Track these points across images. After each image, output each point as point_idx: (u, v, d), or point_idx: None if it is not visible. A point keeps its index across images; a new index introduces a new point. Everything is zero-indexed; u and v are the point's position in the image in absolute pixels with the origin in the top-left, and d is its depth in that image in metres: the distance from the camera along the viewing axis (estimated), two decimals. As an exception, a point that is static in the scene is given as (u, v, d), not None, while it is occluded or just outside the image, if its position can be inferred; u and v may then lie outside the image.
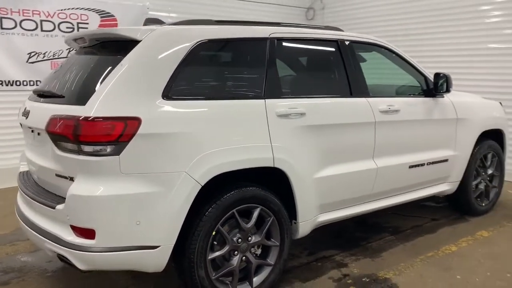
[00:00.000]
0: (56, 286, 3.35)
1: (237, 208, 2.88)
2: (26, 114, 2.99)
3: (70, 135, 2.50)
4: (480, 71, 6.48)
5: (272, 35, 3.21)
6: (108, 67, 2.72)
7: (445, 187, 4.43)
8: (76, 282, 3.41)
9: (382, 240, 4.16)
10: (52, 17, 6.39)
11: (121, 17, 6.93)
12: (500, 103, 5.05)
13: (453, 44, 6.82)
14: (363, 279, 3.39)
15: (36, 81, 6.34)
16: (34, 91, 3.12)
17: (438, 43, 6.97)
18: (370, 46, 3.92)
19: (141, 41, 2.71)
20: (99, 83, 2.60)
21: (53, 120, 2.60)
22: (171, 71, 2.71)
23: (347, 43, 3.64)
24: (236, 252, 2.93)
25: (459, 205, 4.79)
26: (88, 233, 2.52)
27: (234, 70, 3.15)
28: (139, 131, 2.50)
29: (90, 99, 2.52)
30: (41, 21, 6.32)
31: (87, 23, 6.68)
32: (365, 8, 8.15)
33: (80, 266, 2.55)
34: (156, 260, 2.64)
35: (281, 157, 3.00)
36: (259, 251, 3.07)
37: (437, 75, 4.09)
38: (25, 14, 6.16)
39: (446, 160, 4.30)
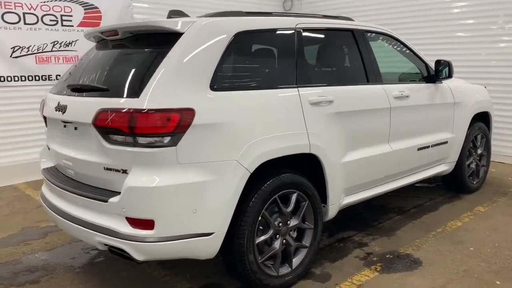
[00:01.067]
0: (90, 281, 3.33)
1: (278, 194, 2.98)
2: (61, 108, 2.94)
3: (125, 128, 2.51)
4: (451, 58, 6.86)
5: (298, 26, 3.32)
6: (153, 60, 2.74)
7: (444, 167, 4.73)
8: (109, 276, 3.41)
9: (391, 220, 4.39)
10: (35, 10, 6.17)
11: (105, 9, 6.79)
12: (485, 87, 5.40)
13: (424, 33, 7.19)
14: (387, 256, 3.60)
15: (21, 76, 6.15)
16: (68, 86, 3.06)
17: (412, 32, 7.28)
18: (378, 35, 4.10)
19: (183, 33, 2.74)
20: (148, 76, 2.61)
21: (103, 114, 2.60)
22: (215, 62, 2.76)
23: (361, 32, 3.81)
24: (277, 235, 3.04)
25: (454, 184, 5.11)
26: (147, 224, 2.55)
27: (269, 60, 3.24)
28: (194, 122, 2.55)
29: (143, 91, 2.53)
30: (24, 13, 6.09)
31: (71, 16, 6.50)
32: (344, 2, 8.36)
33: (138, 257, 2.58)
34: (210, 247, 2.71)
35: (315, 143, 3.13)
36: (295, 235, 3.20)
37: (438, 62, 4.34)
38: (7, 7, 5.92)
39: (446, 142, 4.58)
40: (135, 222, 2.57)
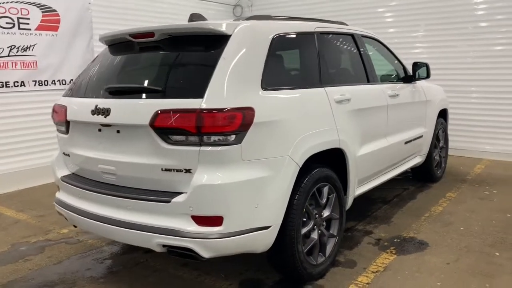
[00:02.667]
0: (122, 289, 3.26)
1: (316, 187, 3.17)
2: (101, 111, 2.86)
3: (192, 128, 2.54)
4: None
5: (316, 29, 3.54)
6: (204, 61, 2.81)
7: (419, 159, 5.23)
8: (137, 283, 3.34)
9: (381, 210, 4.76)
10: (-10, 12, 5.74)
11: (63, 12, 6.49)
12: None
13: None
14: (395, 240, 3.93)
15: (-23, 82, 5.67)
16: (108, 88, 2.98)
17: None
18: (368, 39, 4.46)
19: (231, 35, 2.83)
20: (206, 76, 2.65)
21: (163, 114, 2.60)
22: (263, 62, 2.89)
23: (359, 36, 4.14)
24: (315, 226, 3.22)
25: (424, 175, 5.65)
26: (215, 221, 2.60)
27: (300, 60, 3.41)
28: (254, 120, 2.66)
29: (207, 91, 2.58)
30: (-22, 16, 5.64)
31: (28, 18, 6.13)
32: (295, 6, 8.77)
33: (205, 254, 2.61)
34: (267, 240, 2.81)
35: (343, 139, 3.36)
36: (325, 225, 3.40)
37: (415, 64, 4.82)
38: (-41, 8, 5.45)
39: (421, 136, 5.08)
40: (202, 220, 2.60)
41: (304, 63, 3.43)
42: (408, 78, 4.86)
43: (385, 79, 4.89)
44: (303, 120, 3.02)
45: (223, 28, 2.83)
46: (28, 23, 6.12)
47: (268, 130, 2.75)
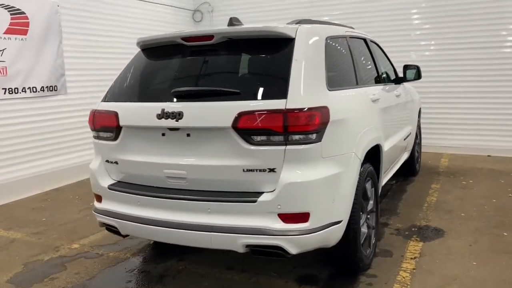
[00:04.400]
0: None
1: (366, 181, 3.35)
2: (173, 116, 2.79)
3: (279, 128, 2.60)
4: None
5: (346, 33, 3.75)
6: (276, 63, 2.88)
7: (406, 155, 5.63)
8: (195, 288, 3.30)
9: (382, 203, 5.06)
10: (-45, 14, 5.24)
11: (32, 15, 6.10)
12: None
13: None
14: (413, 229, 4.24)
15: None
16: (174, 92, 2.90)
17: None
18: (371, 43, 4.75)
19: (294, 38, 2.92)
20: (283, 78, 2.72)
21: (247, 116, 2.63)
22: (324, 64, 3.02)
23: (369, 40, 4.42)
24: (365, 219, 3.41)
25: (407, 169, 6.07)
26: (302, 217, 2.67)
27: (342, 62, 3.57)
28: (330, 119, 2.78)
29: (289, 92, 2.65)
30: None
31: (-5, 21, 5.67)
32: (257, 12, 8.94)
33: (293, 251, 2.67)
34: (338, 234, 2.93)
35: (381, 135, 3.60)
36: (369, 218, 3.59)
37: (406, 66, 5.20)
38: None
39: (410, 133, 5.49)
40: (288, 217, 2.66)
41: (345, 64, 3.61)
42: (400, 80, 5.24)
43: (384, 80, 5.22)
44: (360, 118, 3.20)
45: (289, 31, 2.92)
46: (-5, 26, 5.66)
47: (339, 128, 2.88)
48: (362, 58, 4.13)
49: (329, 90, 2.95)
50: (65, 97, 6.62)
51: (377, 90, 3.89)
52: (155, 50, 3.30)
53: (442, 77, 7.68)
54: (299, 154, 2.66)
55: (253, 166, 2.70)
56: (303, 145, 2.65)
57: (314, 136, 2.68)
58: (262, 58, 2.98)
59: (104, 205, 3.20)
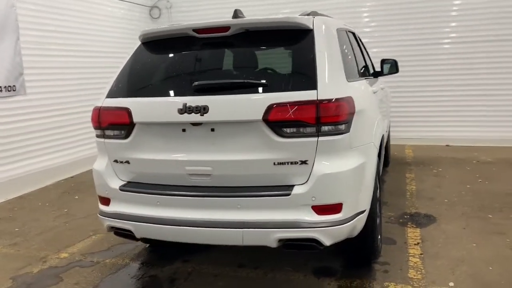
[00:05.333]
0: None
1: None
2: (197, 110, 2.66)
3: (311, 119, 2.57)
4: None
5: (346, 26, 3.79)
6: (297, 54, 2.86)
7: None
8: (212, 289, 3.19)
9: (367, 193, 5.20)
10: None
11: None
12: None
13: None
14: (406, 217, 4.39)
15: None
16: (196, 86, 2.76)
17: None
18: (357, 37, 4.85)
19: (312, 29, 2.91)
20: (309, 68, 2.70)
21: (279, 108, 2.57)
22: (340, 55, 3.03)
23: (356, 33, 4.51)
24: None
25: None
26: (335, 209, 2.66)
27: (349, 54, 3.58)
28: (355, 109, 2.80)
29: (319, 83, 2.63)
30: None
31: None
32: (217, 9, 8.83)
33: (328, 242, 2.66)
34: (362, 224, 2.96)
35: (384, 126, 3.68)
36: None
37: (384, 60, 5.36)
38: None
39: (389, 125, 5.68)
40: (322, 209, 2.64)
41: (351, 56, 3.64)
42: (378, 73, 5.39)
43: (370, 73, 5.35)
44: (373, 109, 3.26)
45: (308, 22, 2.89)
46: None
47: (361, 118, 2.90)
48: (357, 51, 4.20)
49: (348, 81, 2.97)
50: (25, 98, 6.15)
51: (372, 82, 3.97)
52: (161, 43, 3.14)
53: (401, 72, 8.01)
54: (331, 145, 2.64)
55: (284, 159, 2.65)
56: (334, 136, 2.64)
57: (343, 126, 2.68)
58: (282, 49, 2.95)
59: (114, 207, 3.00)
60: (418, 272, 3.24)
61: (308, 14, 3.27)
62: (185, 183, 2.85)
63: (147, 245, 3.98)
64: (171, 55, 3.09)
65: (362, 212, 2.90)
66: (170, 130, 2.82)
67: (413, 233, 3.97)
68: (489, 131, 7.69)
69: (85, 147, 7.24)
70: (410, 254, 3.54)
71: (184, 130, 2.79)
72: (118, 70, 3.18)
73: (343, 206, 2.68)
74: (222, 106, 2.68)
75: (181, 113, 2.71)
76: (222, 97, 2.71)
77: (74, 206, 5.37)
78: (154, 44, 3.18)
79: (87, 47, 7.36)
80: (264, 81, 2.74)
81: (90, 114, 3.10)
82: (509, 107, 7.59)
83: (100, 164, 3.08)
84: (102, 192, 3.07)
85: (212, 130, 2.74)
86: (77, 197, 5.76)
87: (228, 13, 8.60)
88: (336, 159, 2.67)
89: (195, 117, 2.69)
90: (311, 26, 2.90)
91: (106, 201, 3.07)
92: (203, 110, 2.67)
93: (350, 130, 2.72)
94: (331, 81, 2.71)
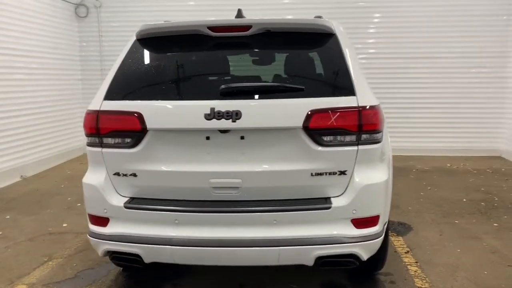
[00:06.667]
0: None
1: None
2: (228, 115, 2.37)
3: (353, 127, 2.44)
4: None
5: None
6: (327, 58, 2.73)
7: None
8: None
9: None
10: None
11: None
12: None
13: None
14: (382, 225, 4.43)
15: None
16: (225, 89, 2.45)
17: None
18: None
19: (334, 33, 2.78)
20: (343, 74, 2.56)
21: (321, 114, 2.40)
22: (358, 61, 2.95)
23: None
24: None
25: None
26: (372, 221, 2.54)
27: None
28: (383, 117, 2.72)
29: (356, 89, 2.50)
30: None
31: None
32: (152, 12, 8.33)
33: (366, 257, 2.54)
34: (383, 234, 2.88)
35: None
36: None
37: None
38: None
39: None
40: (361, 222, 2.51)
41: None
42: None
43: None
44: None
45: (331, 25, 2.76)
46: None
47: (384, 128, 2.84)
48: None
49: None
50: None
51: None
52: (165, 40, 2.78)
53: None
54: (369, 155, 2.53)
55: (322, 170, 2.47)
56: (372, 145, 2.53)
57: (379, 135, 2.59)
58: (306, 52, 2.76)
59: (116, 228, 2.57)
60: (424, 281, 3.25)
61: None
62: (206, 197, 2.53)
63: (120, 268, 3.50)
64: (181, 54, 2.75)
65: (387, 223, 2.83)
66: (191, 138, 2.49)
67: (397, 242, 4.01)
68: (418, 141, 8.22)
69: (7, 157, 6.33)
70: (407, 263, 3.56)
71: (208, 138, 2.48)
72: (113, 69, 2.74)
73: (380, 219, 2.58)
74: (257, 111, 2.43)
75: (209, 119, 2.40)
76: (257, 102, 2.46)
77: (9, 227, 4.59)
78: (155, 41, 2.80)
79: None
80: (301, 86, 2.53)
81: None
82: (433, 120, 8.19)
83: (96, 178, 2.62)
84: (98, 210, 2.61)
85: (242, 138, 2.47)
86: (8, 216, 4.94)
87: (163, 16, 8.24)
88: (372, 169, 2.56)
89: (225, 124, 2.40)
90: (334, 30, 2.77)
91: (102, 221, 2.62)
92: (235, 115, 2.39)
93: (383, 140, 2.64)
94: (365, 87, 2.60)
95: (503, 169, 7.09)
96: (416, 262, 3.57)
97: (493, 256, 3.68)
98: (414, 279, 3.28)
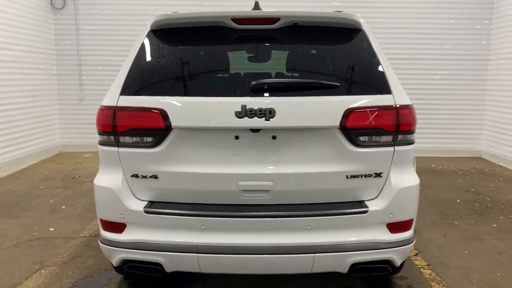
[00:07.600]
0: None
1: None
2: (261, 113, 2.20)
3: (390, 127, 2.34)
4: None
5: None
6: (357, 54, 2.61)
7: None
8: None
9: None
10: None
11: None
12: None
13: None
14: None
15: None
16: (254, 87, 2.27)
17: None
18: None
19: (362, 29, 2.67)
20: (377, 71, 2.45)
21: (358, 113, 2.28)
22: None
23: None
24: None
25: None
26: (405, 226, 2.45)
27: None
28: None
29: (392, 87, 2.40)
30: None
31: None
32: (132, 5, 8.02)
33: (399, 262, 2.45)
34: None
35: None
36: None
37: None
38: None
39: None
40: (396, 226, 2.41)
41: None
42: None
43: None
44: None
45: (359, 20, 2.64)
46: None
47: None
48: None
49: (395, 87, 2.79)
50: None
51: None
52: (182, 32, 2.58)
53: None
54: (404, 156, 2.44)
55: (358, 171, 2.35)
56: (407, 146, 2.44)
57: (413, 136, 2.49)
58: (339, 48, 2.62)
59: (134, 235, 2.36)
60: (441, 285, 3.19)
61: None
62: (234, 201, 2.36)
63: (122, 276, 3.26)
64: (201, 47, 2.56)
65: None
66: (219, 137, 2.31)
67: (404, 244, 3.94)
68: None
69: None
70: (419, 266, 3.49)
71: (237, 138, 2.31)
72: (127, 62, 2.52)
73: (413, 223, 2.48)
74: (292, 109, 2.27)
75: (240, 117, 2.23)
76: (292, 99, 2.30)
77: (-11, 232, 4.25)
78: (172, 32, 2.60)
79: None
80: (336, 83, 2.39)
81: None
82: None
83: (111, 180, 2.39)
84: (113, 215, 2.39)
85: (274, 137, 2.31)
86: (-15, 220, 4.58)
87: (145, 9, 7.97)
88: (406, 171, 2.47)
89: (257, 122, 2.23)
90: (362, 26, 2.65)
91: (118, 227, 2.40)
92: (268, 113, 2.23)
93: (415, 141, 2.54)
94: (399, 85, 2.50)
95: (486, 170, 7.21)
96: (428, 265, 3.51)
97: (501, 258, 3.67)
98: (431, 283, 3.21)
